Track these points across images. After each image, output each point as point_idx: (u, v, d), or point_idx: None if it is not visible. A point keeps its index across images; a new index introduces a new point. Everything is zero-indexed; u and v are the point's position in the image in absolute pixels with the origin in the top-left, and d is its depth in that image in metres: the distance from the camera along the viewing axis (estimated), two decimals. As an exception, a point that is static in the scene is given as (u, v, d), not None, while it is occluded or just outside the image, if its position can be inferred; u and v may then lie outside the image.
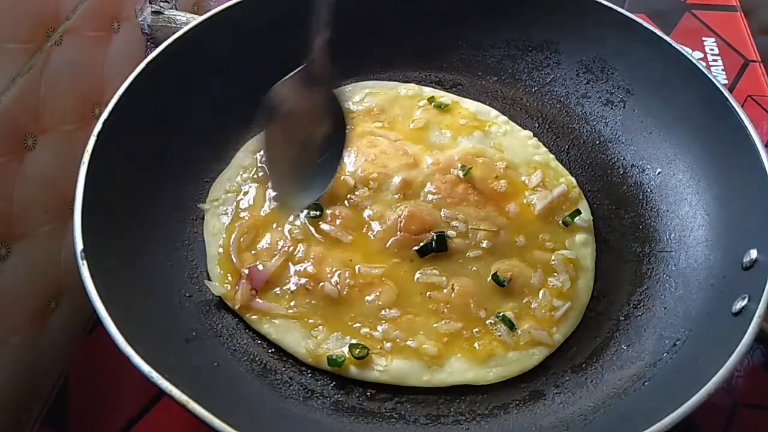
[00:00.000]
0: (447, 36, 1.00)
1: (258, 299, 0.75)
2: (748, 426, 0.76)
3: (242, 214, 0.82)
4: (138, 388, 0.76)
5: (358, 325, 0.74)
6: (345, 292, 0.75)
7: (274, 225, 0.81)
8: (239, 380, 0.69)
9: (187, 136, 0.84)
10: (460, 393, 0.71)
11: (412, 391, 0.71)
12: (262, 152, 0.84)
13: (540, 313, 0.76)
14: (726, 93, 0.79)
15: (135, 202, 0.75)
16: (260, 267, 0.76)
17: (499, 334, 0.74)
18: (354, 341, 0.72)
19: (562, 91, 0.98)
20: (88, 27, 0.86)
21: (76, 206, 0.67)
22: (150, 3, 0.95)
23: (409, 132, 0.92)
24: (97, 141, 0.71)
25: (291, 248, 0.78)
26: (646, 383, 0.68)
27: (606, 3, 0.92)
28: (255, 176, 0.86)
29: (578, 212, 0.83)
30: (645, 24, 0.89)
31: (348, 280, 0.76)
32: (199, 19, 0.86)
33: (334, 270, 0.76)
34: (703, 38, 1.23)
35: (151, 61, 0.80)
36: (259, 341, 0.74)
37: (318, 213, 0.81)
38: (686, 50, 0.85)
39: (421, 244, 0.78)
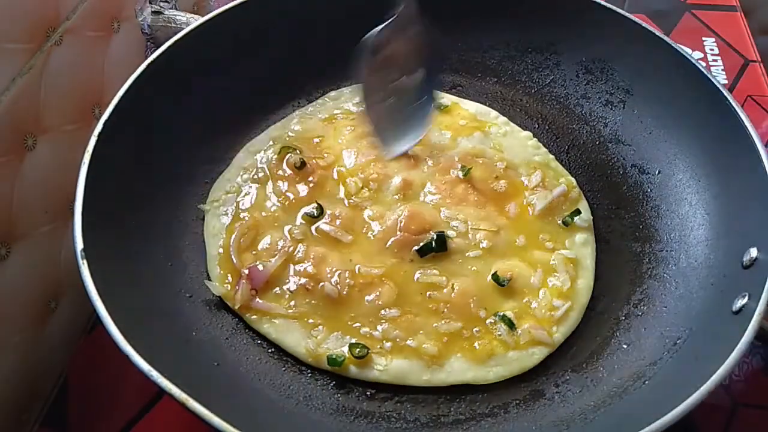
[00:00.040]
0: (447, 36, 1.00)
1: (258, 299, 0.75)
2: (748, 426, 0.76)
3: (242, 215, 0.82)
4: (138, 388, 0.76)
5: (358, 324, 0.73)
6: (345, 292, 0.75)
7: (274, 225, 0.81)
8: (239, 380, 0.69)
9: (187, 137, 0.84)
10: (460, 393, 0.71)
11: (412, 391, 0.71)
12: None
13: (540, 313, 0.76)
14: (726, 93, 0.79)
15: (135, 202, 0.76)
16: (260, 267, 0.76)
17: (499, 333, 0.74)
18: (354, 341, 0.72)
19: (561, 92, 0.98)
20: (88, 27, 0.86)
21: (76, 206, 0.67)
22: (150, 3, 0.95)
23: (409, 132, 0.92)
24: (97, 141, 0.72)
25: (291, 248, 0.78)
26: (646, 383, 0.68)
27: (606, 3, 0.92)
28: (255, 177, 0.86)
29: (578, 212, 0.83)
30: (645, 24, 0.89)
31: (348, 280, 0.76)
32: (200, 20, 0.86)
33: (334, 270, 0.76)
34: (703, 38, 1.23)
35: (152, 62, 0.80)
36: (259, 341, 0.74)
37: (318, 213, 0.81)
38: (686, 50, 0.85)
39: (421, 244, 0.78)
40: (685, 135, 0.86)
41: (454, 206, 0.83)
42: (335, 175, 0.86)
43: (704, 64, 1.15)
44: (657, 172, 0.87)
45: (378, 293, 0.75)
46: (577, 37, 0.96)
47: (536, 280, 0.78)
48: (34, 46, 0.76)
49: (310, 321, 0.74)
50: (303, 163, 0.85)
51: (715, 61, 1.19)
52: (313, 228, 0.80)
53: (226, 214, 0.82)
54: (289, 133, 0.91)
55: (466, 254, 0.79)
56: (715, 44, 1.22)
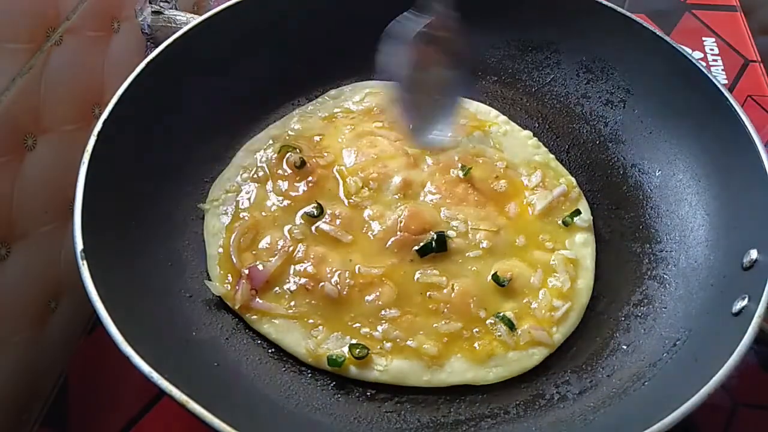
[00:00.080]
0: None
1: (258, 299, 0.75)
2: (748, 426, 0.77)
3: (242, 214, 0.82)
4: (138, 388, 0.76)
5: (358, 325, 0.73)
6: (345, 292, 0.75)
7: (274, 225, 0.81)
8: (239, 380, 0.69)
9: (187, 136, 0.84)
10: (460, 393, 0.71)
11: (412, 391, 0.71)
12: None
13: (540, 313, 0.76)
14: (726, 93, 0.79)
15: (135, 202, 0.75)
16: (260, 267, 0.76)
17: (499, 334, 0.74)
18: (354, 341, 0.72)
19: (562, 91, 0.98)
20: (88, 27, 0.86)
21: (76, 206, 0.67)
22: (150, 3, 0.95)
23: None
24: (97, 141, 0.71)
25: (291, 248, 0.78)
26: (646, 383, 0.68)
27: (606, 3, 0.92)
28: (255, 176, 0.86)
29: (578, 212, 0.83)
30: (645, 24, 0.89)
31: (348, 280, 0.76)
32: (199, 19, 0.86)
33: (334, 270, 0.76)
34: (703, 38, 1.23)
35: (151, 61, 0.80)
36: (259, 341, 0.74)
37: (318, 213, 0.81)
38: (686, 50, 0.85)
39: (421, 244, 0.78)
40: (685, 135, 0.86)
41: (454, 206, 0.83)
42: (335, 175, 0.86)
43: (704, 64, 1.14)
44: (657, 172, 0.87)
45: (378, 293, 0.75)
46: (577, 36, 0.96)
47: (536, 281, 0.78)
48: (34, 46, 0.76)
49: (310, 321, 0.74)
50: (303, 162, 0.85)
51: (715, 61, 1.18)
52: (313, 228, 0.80)
53: (226, 214, 0.82)
54: (289, 132, 0.91)
55: (466, 254, 0.79)
56: (715, 44, 1.22)
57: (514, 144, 0.91)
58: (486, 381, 0.71)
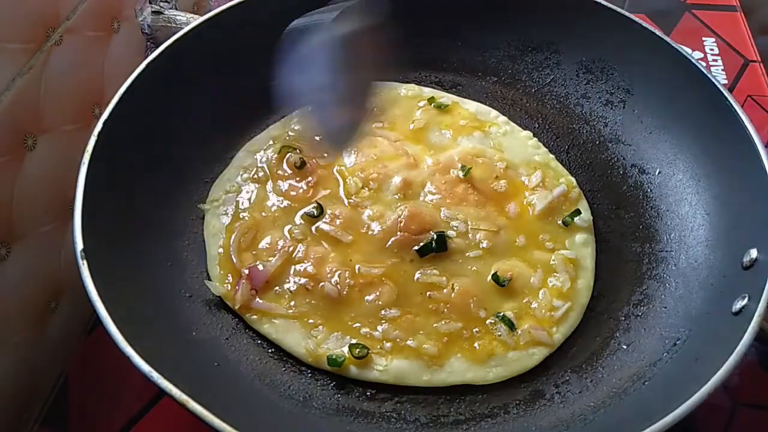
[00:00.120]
0: (447, 36, 1.00)
1: (258, 299, 0.75)
2: (748, 426, 0.76)
3: (242, 215, 0.82)
4: (138, 388, 0.76)
5: (358, 325, 0.73)
6: (345, 292, 0.75)
7: (274, 225, 0.81)
8: (239, 380, 0.69)
9: (187, 136, 0.84)
10: (460, 393, 0.71)
11: (412, 391, 0.71)
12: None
13: (540, 313, 0.76)
14: (726, 93, 0.79)
15: (135, 202, 0.75)
16: (260, 267, 0.76)
17: (499, 334, 0.74)
18: (354, 341, 0.72)
19: (562, 92, 0.98)
20: (88, 27, 0.86)
21: (76, 206, 0.67)
22: (150, 3, 0.95)
23: (409, 132, 0.92)
24: (97, 141, 0.71)
25: (291, 248, 0.78)
26: (646, 383, 0.68)
27: (606, 3, 0.92)
28: (255, 176, 0.86)
29: (578, 212, 0.83)
30: (645, 24, 0.89)
31: (348, 280, 0.76)
32: (199, 19, 0.86)
33: (334, 270, 0.76)
34: (703, 38, 1.23)
35: (152, 61, 0.80)
36: (259, 341, 0.74)
37: (318, 213, 0.81)
38: (686, 50, 0.85)
39: (421, 244, 0.78)
40: (685, 135, 0.86)
41: (454, 206, 0.83)
42: (335, 175, 0.86)
43: (704, 64, 1.14)
44: (657, 172, 0.87)
45: (378, 293, 0.75)
46: (577, 36, 0.96)
47: (536, 281, 0.78)
48: (34, 46, 0.76)
49: (310, 321, 0.74)
50: (303, 163, 0.85)
51: (715, 61, 1.18)
52: (313, 228, 0.80)
53: (226, 214, 0.82)
54: (290, 133, 0.91)
55: (466, 254, 0.79)
56: (715, 44, 1.22)
57: (514, 144, 0.91)
58: (486, 381, 0.71)
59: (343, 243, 0.79)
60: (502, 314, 0.74)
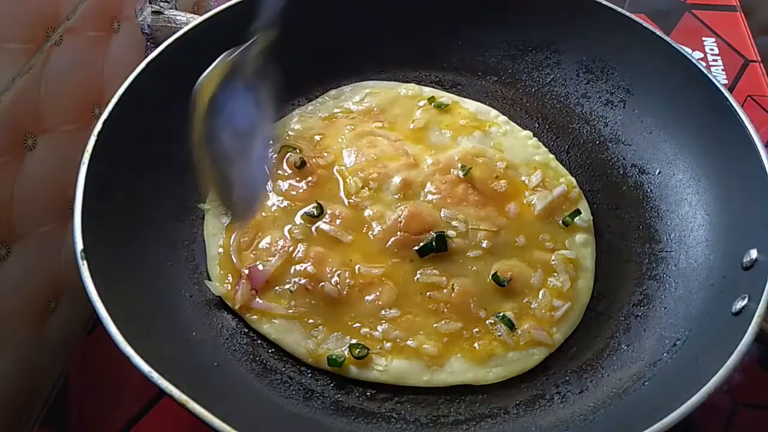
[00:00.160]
0: (447, 36, 1.00)
1: (258, 299, 0.75)
2: (748, 426, 0.77)
3: (242, 214, 0.82)
4: (138, 388, 0.76)
5: (358, 325, 0.74)
6: (345, 292, 0.75)
7: (274, 225, 0.81)
8: (239, 380, 0.70)
9: (187, 136, 0.84)
10: (460, 393, 0.71)
11: (412, 391, 0.71)
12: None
13: (540, 313, 0.76)
14: (726, 93, 0.79)
15: (135, 202, 0.75)
16: (260, 267, 0.76)
17: (499, 334, 0.74)
18: (354, 341, 0.72)
19: (562, 91, 0.98)
20: (88, 27, 0.86)
21: (76, 206, 0.67)
22: (150, 3, 0.95)
23: (409, 132, 0.92)
24: (97, 141, 0.71)
25: (291, 248, 0.78)
26: (646, 383, 0.68)
27: (606, 3, 0.92)
28: (255, 176, 0.86)
29: (578, 212, 0.83)
30: (645, 24, 0.89)
31: (348, 280, 0.76)
32: (199, 19, 0.86)
33: (334, 270, 0.76)
34: (703, 38, 1.23)
35: (151, 61, 0.80)
36: (259, 341, 0.74)
37: (318, 213, 0.81)
38: (686, 50, 0.85)
39: (421, 244, 0.78)
40: (685, 135, 0.86)
41: (454, 206, 0.83)
42: (335, 175, 0.86)
43: (704, 64, 1.14)
44: (657, 172, 0.87)
45: (378, 293, 0.75)
46: (577, 36, 0.96)
47: (536, 281, 0.78)
48: (34, 46, 0.76)
49: (310, 321, 0.74)
50: (303, 162, 0.85)
51: (715, 61, 1.18)
52: (313, 228, 0.80)
53: (226, 214, 0.82)
54: (289, 132, 0.91)
55: (466, 254, 0.79)
56: (715, 44, 1.22)
57: (514, 144, 0.91)
58: (486, 381, 0.71)
59: (343, 243, 0.79)
60: (502, 314, 0.74)
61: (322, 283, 0.75)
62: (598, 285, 0.80)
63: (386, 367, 0.71)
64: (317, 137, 0.90)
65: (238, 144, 0.71)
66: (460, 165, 0.86)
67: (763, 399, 0.78)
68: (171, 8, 0.94)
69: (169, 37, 0.83)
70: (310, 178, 0.85)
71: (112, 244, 0.69)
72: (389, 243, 0.79)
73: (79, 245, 0.64)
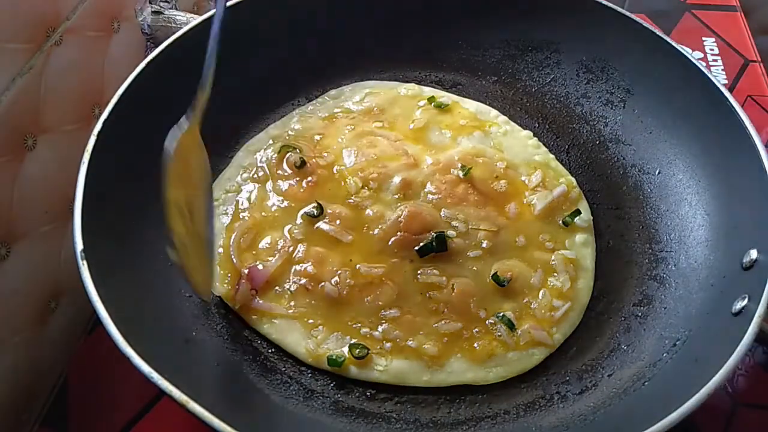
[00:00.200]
0: (447, 36, 1.01)
1: (258, 299, 0.75)
2: (748, 426, 0.76)
3: (242, 214, 0.82)
4: (138, 388, 0.76)
5: (358, 325, 0.73)
6: (345, 292, 0.75)
7: (274, 225, 0.81)
8: (239, 380, 0.70)
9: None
10: (460, 393, 0.71)
11: (412, 391, 0.71)
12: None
13: (540, 313, 0.76)
14: (726, 93, 0.79)
15: (135, 202, 0.75)
16: (260, 267, 0.76)
17: (499, 334, 0.74)
18: (354, 341, 0.72)
19: (562, 91, 0.98)
20: (88, 27, 0.86)
21: (76, 206, 0.67)
22: (150, 3, 0.95)
23: (409, 132, 0.92)
24: (97, 141, 0.72)
25: (291, 248, 0.78)
26: (646, 383, 0.68)
27: (606, 3, 0.92)
28: (255, 176, 0.86)
29: (578, 212, 0.83)
30: (645, 24, 0.89)
31: (348, 280, 0.75)
32: (199, 19, 0.86)
33: (334, 270, 0.76)
34: (703, 38, 1.23)
35: (151, 60, 0.80)
36: (259, 341, 0.74)
37: (318, 213, 0.81)
38: (686, 50, 0.85)
39: (421, 244, 0.78)
40: (685, 135, 0.86)
41: (454, 206, 0.82)
42: (335, 175, 0.86)
43: (704, 64, 1.14)
44: (657, 172, 0.87)
45: (378, 293, 0.75)
46: (577, 36, 0.96)
47: (536, 281, 0.78)
48: (34, 46, 0.76)
49: (310, 321, 0.74)
50: (303, 162, 0.85)
51: (715, 61, 1.18)
52: (313, 228, 0.80)
53: (226, 214, 0.82)
54: (289, 132, 0.91)
55: (466, 254, 0.79)
56: (715, 44, 1.22)
57: (514, 144, 0.91)
58: (486, 381, 0.71)
59: (343, 243, 0.79)
60: (502, 314, 0.74)
61: (322, 283, 0.75)
62: (598, 285, 0.80)
63: (386, 367, 0.71)
64: (317, 137, 0.90)
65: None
66: (460, 165, 0.86)
67: (763, 399, 0.78)
68: (171, 8, 0.95)
69: (169, 37, 0.83)
70: (310, 178, 0.84)
71: (112, 244, 0.69)
72: (389, 243, 0.79)
73: (79, 245, 0.64)
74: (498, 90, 0.99)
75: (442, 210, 0.82)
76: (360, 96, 0.96)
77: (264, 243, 0.79)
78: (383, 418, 0.69)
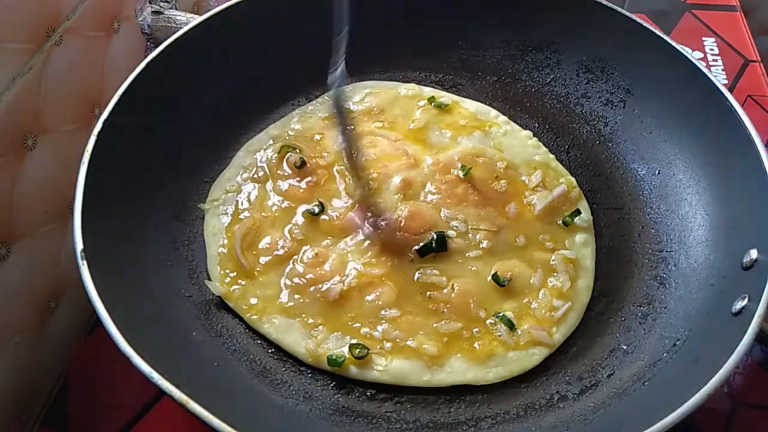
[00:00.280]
0: (447, 36, 1.00)
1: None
2: (748, 426, 0.76)
3: (242, 214, 0.82)
4: (138, 388, 0.76)
5: (358, 325, 0.73)
6: (345, 292, 0.75)
7: (275, 225, 0.81)
8: (239, 380, 0.69)
9: (187, 136, 0.84)
10: (460, 393, 0.71)
11: (412, 391, 0.71)
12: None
13: (540, 313, 0.76)
14: (726, 93, 0.79)
15: (135, 202, 0.76)
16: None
17: (499, 334, 0.74)
18: (354, 341, 0.72)
19: (562, 91, 0.98)
20: (88, 27, 0.86)
21: (76, 206, 0.67)
22: (150, 3, 0.95)
23: (409, 132, 0.92)
24: (97, 141, 0.72)
25: (291, 248, 0.78)
26: (646, 383, 0.68)
27: (606, 3, 0.92)
28: (255, 176, 0.86)
29: (578, 212, 0.83)
30: (645, 24, 0.89)
31: (348, 280, 0.75)
32: (199, 19, 0.86)
33: (334, 270, 0.76)
34: (703, 38, 1.23)
35: (151, 60, 0.80)
36: (259, 341, 0.74)
37: (318, 210, 0.81)
38: (686, 50, 0.85)
39: (421, 244, 0.78)
40: (685, 135, 0.86)
41: (454, 206, 0.83)
42: (335, 175, 0.86)
43: (704, 64, 1.14)
44: (657, 172, 0.87)
45: (378, 293, 0.75)
46: (577, 36, 0.96)
47: (536, 281, 0.78)
48: (34, 46, 0.76)
49: (310, 321, 0.74)
50: (303, 162, 0.85)
51: (715, 61, 1.18)
52: (313, 227, 0.80)
53: (226, 214, 0.82)
54: (289, 132, 0.91)
55: (466, 254, 0.79)
56: (715, 44, 1.22)
57: (514, 144, 0.91)
58: (486, 381, 0.71)
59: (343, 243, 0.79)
60: (502, 314, 0.74)
61: (322, 283, 0.75)
62: (598, 285, 0.80)
63: (386, 367, 0.71)
64: (317, 137, 0.90)
65: None
66: (460, 165, 0.86)
67: (763, 399, 0.78)
68: (171, 8, 0.95)
69: (169, 37, 0.83)
70: (310, 178, 0.85)
71: (112, 244, 0.69)
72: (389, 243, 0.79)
73: (79, 245, 0.64)
74: (498, 90, 0.99)
75: (442, 210, 0.82)
76: (360, 96, 0.96)
77: (264, 243, 0.79)
78: (383, 418, 0.69)
